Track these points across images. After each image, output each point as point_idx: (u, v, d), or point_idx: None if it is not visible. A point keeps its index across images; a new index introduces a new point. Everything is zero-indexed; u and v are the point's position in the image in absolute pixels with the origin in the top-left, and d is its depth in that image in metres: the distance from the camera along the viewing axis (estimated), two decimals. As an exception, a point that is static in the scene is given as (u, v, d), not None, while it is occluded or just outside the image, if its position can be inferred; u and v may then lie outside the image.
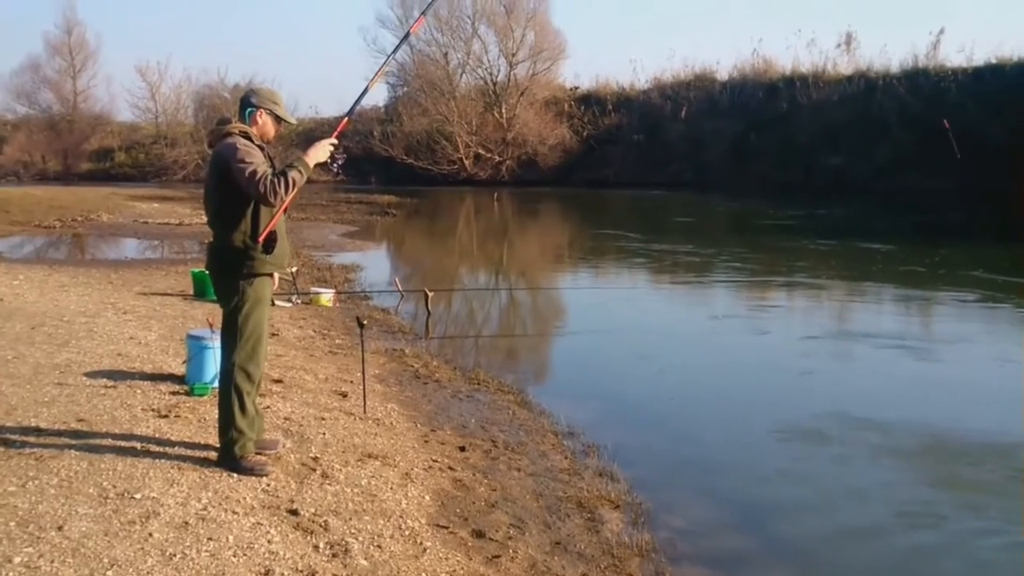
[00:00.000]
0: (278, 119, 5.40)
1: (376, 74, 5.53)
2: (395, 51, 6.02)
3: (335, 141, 5.33)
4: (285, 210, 5.25)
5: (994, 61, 42.45)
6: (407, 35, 6.25)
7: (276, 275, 5.41)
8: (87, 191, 39.71)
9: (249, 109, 5.31)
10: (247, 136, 5.18)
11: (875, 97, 43.96)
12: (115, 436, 5.70)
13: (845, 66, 47.96)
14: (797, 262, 18.75)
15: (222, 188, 5.09)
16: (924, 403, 8.28)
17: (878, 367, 9.71)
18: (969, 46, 72.61)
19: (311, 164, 5.19)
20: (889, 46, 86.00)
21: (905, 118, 41.52)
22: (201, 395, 6.75)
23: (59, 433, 5.70)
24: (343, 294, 13.59)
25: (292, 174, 5.01)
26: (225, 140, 5.14)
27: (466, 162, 52.84)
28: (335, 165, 5.54)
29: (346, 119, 5.57)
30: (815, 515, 5.77)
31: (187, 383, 7.00)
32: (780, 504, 5.95)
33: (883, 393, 8.59)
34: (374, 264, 18.62)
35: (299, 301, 12.41)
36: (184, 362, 7.27)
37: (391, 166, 52.42)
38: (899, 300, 14.66)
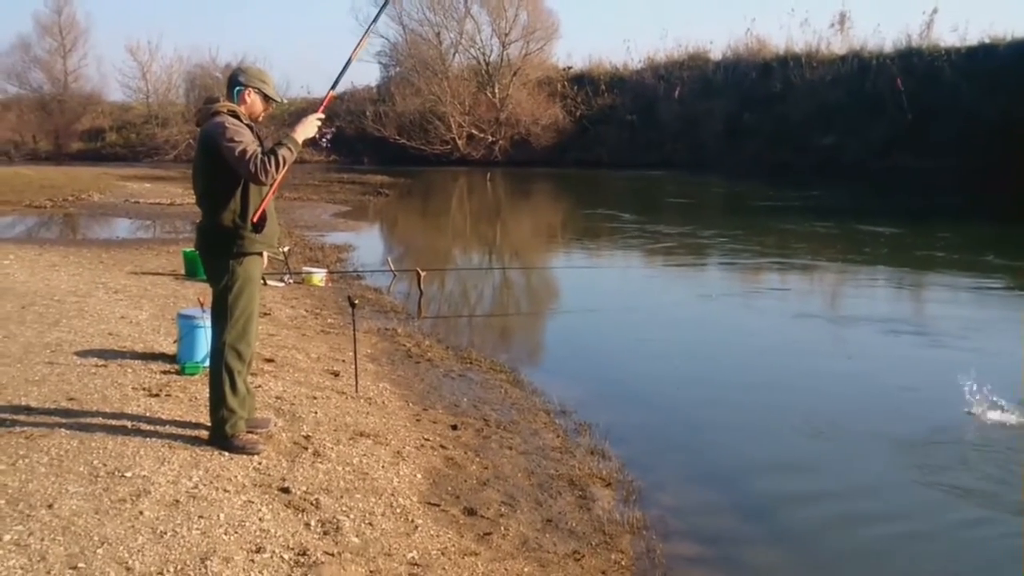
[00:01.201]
0: (266, 98, 5.36)
1: (357, 45, 5.49)
2: (375, 20, 5.97)
3: (322, 115, 5.30)
4: (276, 189, 5.23)
5: (987, 40, 42.34)
6: (387, 2, 6.25)
7: (266, 254, 5.38)
8: (78, 171, 39.60)
9: (237, 88, 5.27)
10: (235, 115, 5.15)
11: (869, 77, 43.85)
12: (106, 415, 5.68)
13: (839, 46, 47.83)
14: (800, 244, 18.44)
15: (211, 167, 5.06)
16: (929, 390, 8.04)
17: (882, 353, 9.52)
18: (963, 25, 72.50)
19: (300, 140, 5.16)
20: (883, 25, 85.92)
21: (899, 97, 41.42)
22: (192, 374, 6.73)
23: (49, 412, 5.69)
24: (335, 274, 13.57)
25: (282, 152, 4.98)
26: (213, 119, 5.10)
27: (459, 142, 52.66)
28: (324, 140, 5.53)
29: (331, 92, 5.53)
30: (806, 495, 5.77)
31: (178, 362, 6.98)
32: (771, 483, 5.96)
33: (886, 379, 8.41)
34: (367, 244, 18.58)
35: (291, 281, 12.39)
36: (175, 341, 7.26)
37: (384, 146, 52.22)
38: (911, 286, 14.32)
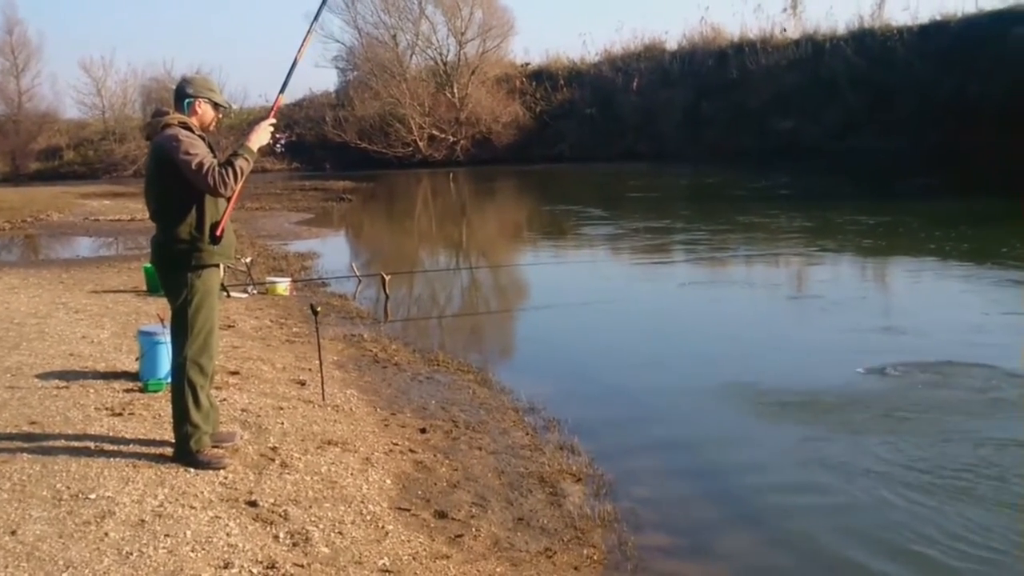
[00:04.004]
0: (216, 105, 5.33)
1: (302, 45, 5.48)
2: (316, 17, 5.92)
3: (273, 120, 5.29)
4: (237, 200, 5.20)
5: (939, 18, 42.79)
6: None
7: (223, 265, 5.34)
8: (36, 191, 39.16)
9: (188, 100, 5.23)
10: (187, 127, 5.10)
11: (823, 59, 44.20)
12: (68, 437, 5.62)
13: (792, 30, 48.22)
14: (789, 236, 17.68)
15: (165, 181, 5.03)
16: (913, 381, 7.61)
17: (873, 346, 8.81)
18: (914, 4, 73.10)
19: (255, 149, 5.14)
20: (835, 8, 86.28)
21: (854, 79, 41.83)
22: (155, 391, 6.67)
23: (11, 437, 5.62)
24: (300, 282, 13.48)
25: (239, 163, 4.96)
26: (164, 132, 5.06)
27: (420, 144, 52.55)
28: (278, 146, 5.51)
29: (279, 96, 5.51)
30: (775, 481, 5.76)
31: (141, 380, 6.91)
32: (740, 471, 5.97)
33: (857, 365, 8.01)
34: (331, 251, 18.49)
35: (255, 291, 12.29)
36: (137, 359, 7.18)
37: (345, 151, 52.07)
38: (928, 278, 13.02)
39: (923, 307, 10.64)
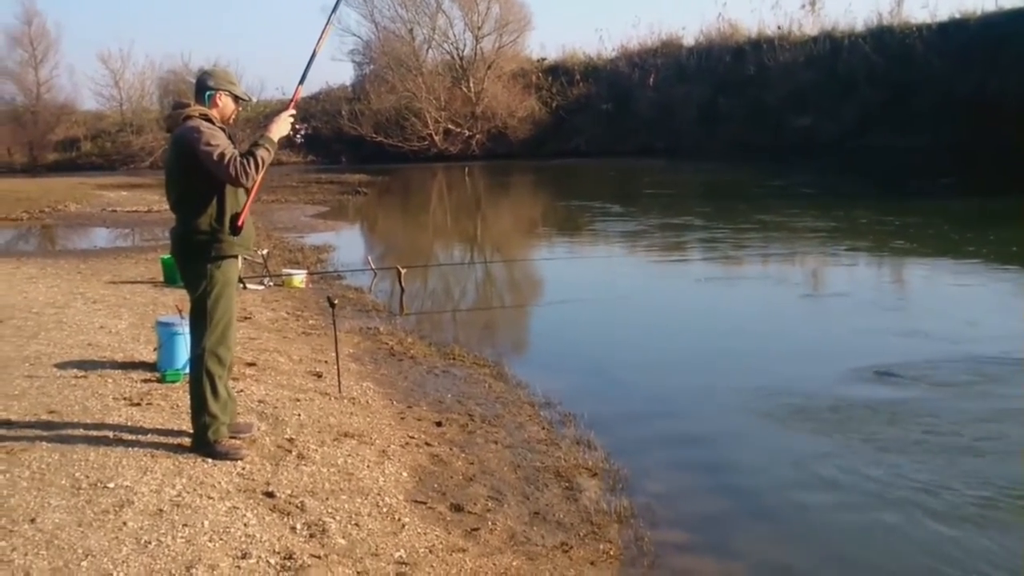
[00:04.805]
0: (236, 98, 5.34)
1: (320, 37, 5.49)
2: (335, 9, 5.90)
3: (293, 112, 5.30)
4: (258, 191, 5.22)
5: (958, 16, 42.54)
6: (344, -10, 6.25)
7: (241, 256, 5.36)
8: (54, 182, 39.30)
9: (208, 92, 5.25)
10: (207, 119, 5.12)
11: (841, 56, 43.99)
12: (87, 426, 5.65)
13: (811, 27, 48.02)
14: (815, 237, 17.10)
15: (186, 172, 5.05)
16: (947, 388, 7.40)
17: (892, 346, 8.69)
18: (933, 2, 72.60)
19: (275, 139, 5.16)
20: (853, 5, 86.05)
21: (872, 76, 41.63)
22: (173, 382, 6.69)
23: (30, 425, 5.65)
24: (315, 275, 13.51)
25: (260, 153, 4.99)
26: (186, 124, 5.08)
27: (436, 138, 52.53)
28: (299, 136, 5.54)
29: (299, 88, 5.52)
30: (793, 481, 5.73)
31: (159, 370, 6.94)
32: (757, 470, 5.94)
33: (887, 368, 7.86)
34: (347, 244, 18.51)
35: (271, 283, 12.31)
36: (155, 349, 7.21)
37: (361, 145, 52.11)
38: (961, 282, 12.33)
39: (964, 311, 10.35)
